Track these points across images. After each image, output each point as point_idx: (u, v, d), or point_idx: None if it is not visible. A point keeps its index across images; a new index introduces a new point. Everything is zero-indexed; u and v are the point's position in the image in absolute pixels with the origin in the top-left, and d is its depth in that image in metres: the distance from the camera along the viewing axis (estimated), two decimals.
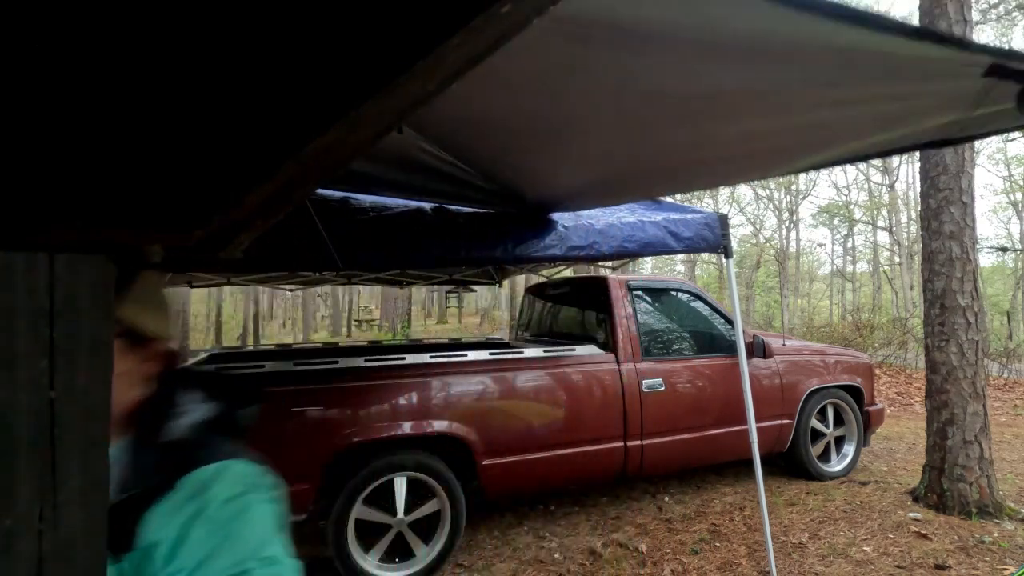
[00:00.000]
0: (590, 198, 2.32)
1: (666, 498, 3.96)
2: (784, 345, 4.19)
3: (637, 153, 1.54)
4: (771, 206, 22.63)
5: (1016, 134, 12.99)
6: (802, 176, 22.58)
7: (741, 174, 1.72)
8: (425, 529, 2.95)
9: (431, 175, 2.16)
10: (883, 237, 22.81)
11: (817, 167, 1.56)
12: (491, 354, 3.16)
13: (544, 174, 2.01)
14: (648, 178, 1.86)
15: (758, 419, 3.72)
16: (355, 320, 25.72)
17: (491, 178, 2.13)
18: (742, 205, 23.57)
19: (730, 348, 3.88)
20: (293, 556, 0.64)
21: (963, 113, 1.01)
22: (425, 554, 2.91)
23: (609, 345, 3.51)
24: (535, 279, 7.40)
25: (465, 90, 1.29)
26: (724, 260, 3.22)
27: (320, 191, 2.36)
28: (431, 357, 3.02)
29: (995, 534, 3.31)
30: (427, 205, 2.53)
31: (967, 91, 0.93)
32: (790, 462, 4.23)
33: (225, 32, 0.28)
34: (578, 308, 4.16)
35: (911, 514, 3.60)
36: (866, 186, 22.62)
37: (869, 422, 4.41)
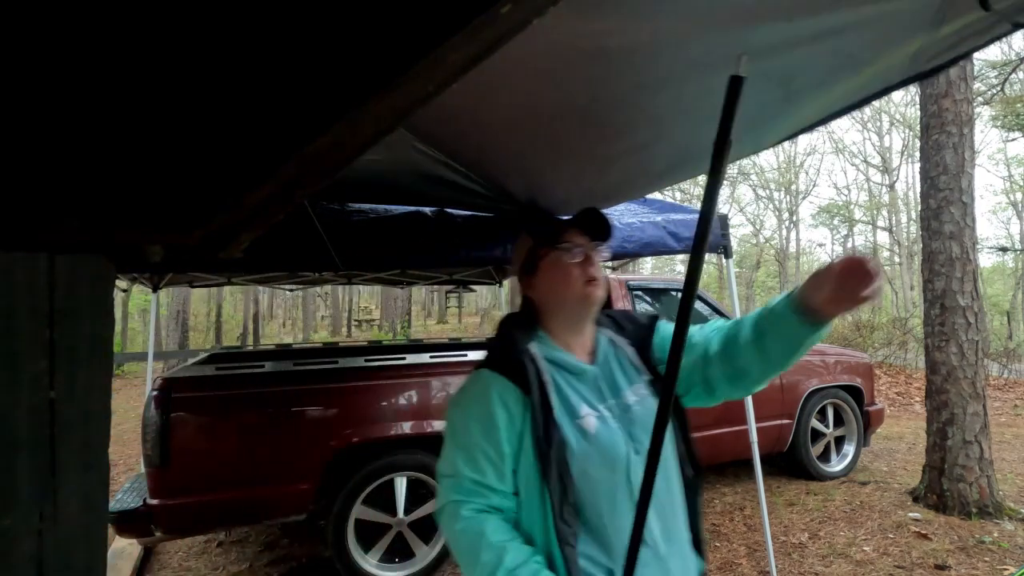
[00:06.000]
0: (584, 203, 2.31)
1: None
2: None
3: (626, 148, 1.51)
4: (771, 206, 22.63)
5: (1016, 133, 12.97)
6: (802, 176, 22.57)
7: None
8: (425, 529, 2.95)
9: (430, 180, 2.15)
10: (883, 237, 22.82)
11: (794, 133, 1.44)
12: None
13: (540, 178, 2.01)
14: (642, 174, 1.82)
15: (758, 419, 3.72)
16: (355, 320, 25.72)
17: (490, 180, 2.13)
18: (742, 205, 23.59)
19: None
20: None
21: (929, 34, 0.95)
22: (425, 554, 2.91)
23: None
24: None
25: (457, 91, 1.29)
26: (724, 260, 3.22)
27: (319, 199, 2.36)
28: (431, 357, 3.02)
29: (995, 534, 3.31)
30: (427, 209, 2.53)
31: (927, 4, 0.87)
32: (790, 462, 4.23)
33: (226, 33, 0.28)
34: None
35: (911, 514, 3.60)
36: (866, 186, 22.62)
37: (869, 422, 4.41)
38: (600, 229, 1.05)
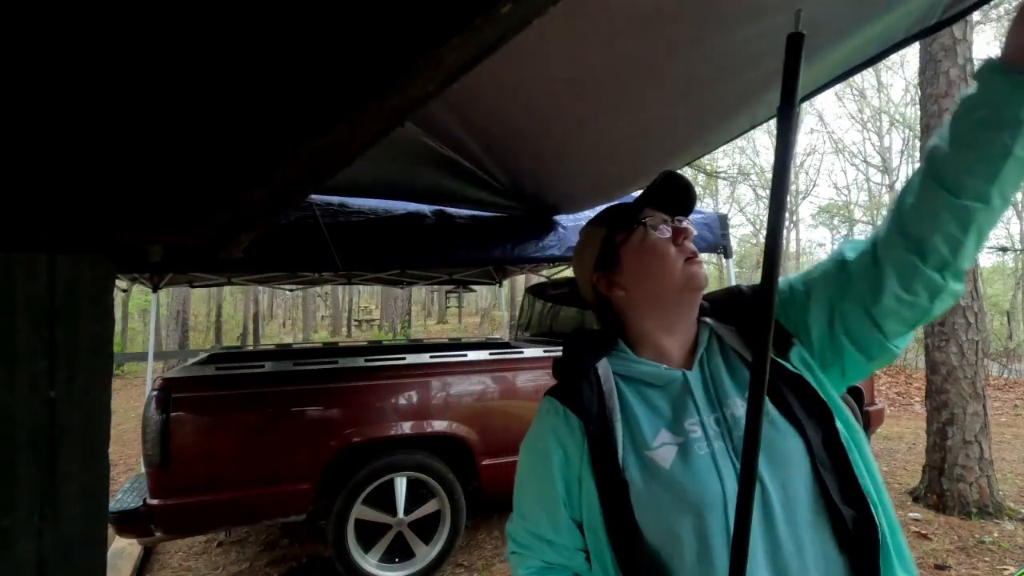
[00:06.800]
0: (595, 193, 2.30)
1: None
2: None
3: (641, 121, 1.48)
4: None
5: None
6: (802, 176, 22.58)
7: (742, 117, 1.53)
8: (425, 529, 2.95)
9: (433, 175, 2.15)
10: None
11: (815, 90, 1.36)
12: (491, 354, 3.16)
13: (546, 170, 2.00)
14: (656, 150, 1.79)
15: None
16: (355, 320, 25.71)
17: (494, 177, 2.13)
18: (742, 205, 23.60)
19: None
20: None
21: None
22: (425, 554, 2.91)
23: None
24: (535, 279, 7.40)
25: (465, 88, 1.29)
26: (724, 260, 3.22)
27: (319, 196, 2.37)
28: (431, 357, 3.02)
29: (995, 534, 3.31)
30: (427, 209, 2.54)
31: None
32: None
33: (225, 33, 0.28)
34: (578, 308, 4.15)
35: (911, 514, 3.60)
36: (866, 186, 22.64)
37: (869, 422, 4.41)
38: (682, 198, 0.83)
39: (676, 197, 0.83)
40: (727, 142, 1.82)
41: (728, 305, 0.86)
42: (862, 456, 0.71)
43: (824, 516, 0.66)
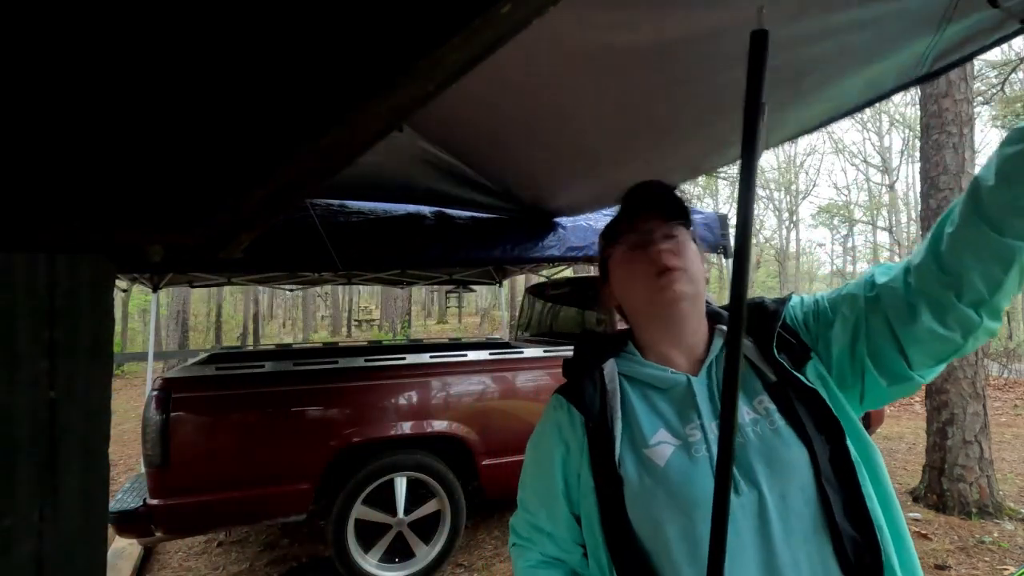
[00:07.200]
0: (590, 201, 2.31)
1: None
2: None
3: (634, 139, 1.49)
4: (771, 206, 22.64)
5: None
6: (802, 176, 22.58)
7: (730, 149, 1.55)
8: (425, 529, 2.95)
9: (432, 179, 2.15)
10: (883, 237, 22.82)
11: (800, 132, 1.39)
12: (491, 354, 3.16)
13: (541, 177, 2.01)
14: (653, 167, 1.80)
15: None
16: (355, 320, 25.72)
17: (493, 180, 2.13)
18: None
19: None
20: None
21: (937, 33, 0.94)
22: (425, 554, 2.91)
23: None
24: (535, 279, 7.40)
25: (461, 90, 1.29)
26: (724, 260, 3.22)
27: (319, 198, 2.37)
28: (431, 357, 3.02)
29: (995, 534, 3.31)
30: (427, 209, 2.54)
31: (936, 1, 0.86)
32: None
33: (225, 33, 0.28)
34: (578, 308, 4.15)
35: (911, 514, 3.60)
36: (866, 186, 22.63)
37: (869, 422, 4.41)
38: (660, 202, 0.80)
39: (653, 202, 0.80)
40: (721, 167, 1.84)
41: (749, 317, 0.82)
42: (873, 478, 0.69)
43: (825, 533, 0.66)
